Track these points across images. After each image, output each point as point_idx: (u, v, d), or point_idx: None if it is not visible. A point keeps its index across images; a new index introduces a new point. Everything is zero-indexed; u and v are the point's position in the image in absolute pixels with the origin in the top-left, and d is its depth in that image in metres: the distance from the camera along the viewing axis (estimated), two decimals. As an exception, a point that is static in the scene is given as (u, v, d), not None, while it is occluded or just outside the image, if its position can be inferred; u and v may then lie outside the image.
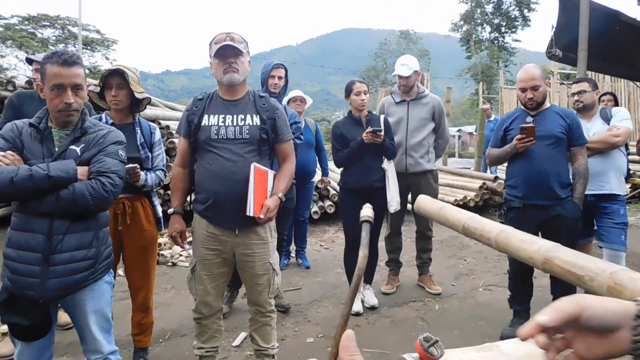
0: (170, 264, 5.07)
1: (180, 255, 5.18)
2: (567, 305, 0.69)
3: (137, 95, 2.77)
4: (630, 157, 6.60)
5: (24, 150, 1.99)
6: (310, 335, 3.42)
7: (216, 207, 2.47)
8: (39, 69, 2.04)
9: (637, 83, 10.52)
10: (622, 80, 12.99)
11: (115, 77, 2.72)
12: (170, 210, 2.59)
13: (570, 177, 3.19)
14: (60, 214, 1.94)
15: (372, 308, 3.88)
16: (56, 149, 2.02)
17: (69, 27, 26.71)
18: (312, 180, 5.13)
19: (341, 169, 3.91)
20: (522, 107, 3.32)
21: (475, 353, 1.31)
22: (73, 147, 2.04)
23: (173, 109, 8.97)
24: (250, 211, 2.33)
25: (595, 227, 3.63)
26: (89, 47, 26.35)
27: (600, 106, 3.80)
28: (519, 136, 3.06)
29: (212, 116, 2.49)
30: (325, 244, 6.06)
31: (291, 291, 4.32)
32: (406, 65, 4.13)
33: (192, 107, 2.56)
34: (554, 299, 3.05)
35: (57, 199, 1.91)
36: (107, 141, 2.09)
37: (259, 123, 2.47)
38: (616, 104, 4.96)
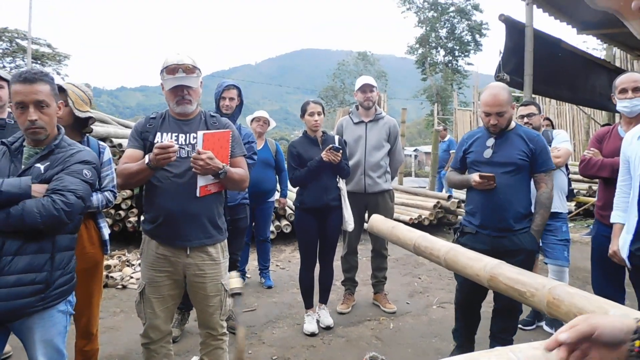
0: (120, 286, 4.88)
1: (131, 277, 5.00)
2: (582, 325, 0.87)
3: (79, 114, 2.69)
4: (574, 176, 6.96)
5: None
6: (264, 357, 3.36)
7: (167, 225, 2.42)
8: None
9: (580, 106, 11.13)
10: (567, 103, 13.71)
11: (61, 95, 2.63)
12: (146, 160, 2.32)
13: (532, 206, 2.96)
14: (11, 232, 1.87)
15: (328, 328, 3.87)
16: (23, 166, 1.99)
17: (18, 40, 25.77)
18: (271, 200, 5.11)
19: (297, 188, 3.92)
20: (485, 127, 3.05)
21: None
22: (38, 165, 1.99)
23: (126, 126, 8.76)
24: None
25: (541, 244, 3.78)
26: (39, 62, 25.43)
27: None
28: (477, 179, 2.85)
29: (164, 134, 2.48)
30: (282, 264, 6.02)
31: (246, 312, 4.25)
32: (369, 81, 4.25)
33: (146, 124, 2.53)
34: (492, 332, 3.08)
35: (7, 216, 1.83)
36: (73, 160, 2.04)
37: None
38: (552, 127, 5.23)
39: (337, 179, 3.83)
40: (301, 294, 3.97)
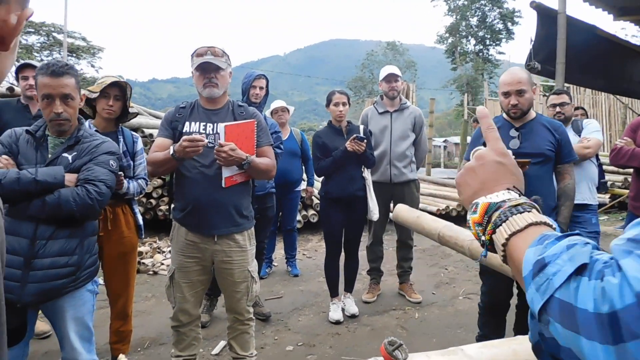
0: (151, 272, 5.04)
1: (162, 264, 5.15)
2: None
3: (130, 110, 2.89)
4: (609, 168, 6.77)
5: (19, 155, 2.05)
6: (289, 343, 3.43)
7: (195, 214, 2.49)
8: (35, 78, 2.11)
9: (617, 96, 10.78)
10: (603, 92, 13.28)
11: (115, 88, 2.79)
12: (170, 152, 2.39)
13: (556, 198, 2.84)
14: (45, 218, 1.98)
15: (353, 316, 3.91)
16: (49, 156, 2.07)
17: (54, 34, 26.50)
18: (298, 189, 5.17)
19: (322, 178, 3.95)
20: (505, 115, 2.88)
21: (440, 357, 1.35)
22: (65, 154, 2.08)
23: (157, 117, 8.96)
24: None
25: None
26: (74, 55, 26.12)
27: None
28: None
29: (193, 124, 2.54)
30: (308, 253, 6.09)
31: (272, 299, 4.33)
32: (394, 71, 4.24)
33: (175, 114, 2.60)
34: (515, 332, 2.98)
35: (43, 204, 1.94)
36: (99, 151, 2.13)
37: None
38: (587, 117, 5.10)
39: (362, 169, 3.84)
40: (326, 283, 4.01)
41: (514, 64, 20.69)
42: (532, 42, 5.58)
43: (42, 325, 3.28)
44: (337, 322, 3.78)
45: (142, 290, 4.47)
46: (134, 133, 3.05)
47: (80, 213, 2.01)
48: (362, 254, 4.18)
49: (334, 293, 3.98)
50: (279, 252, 5.62)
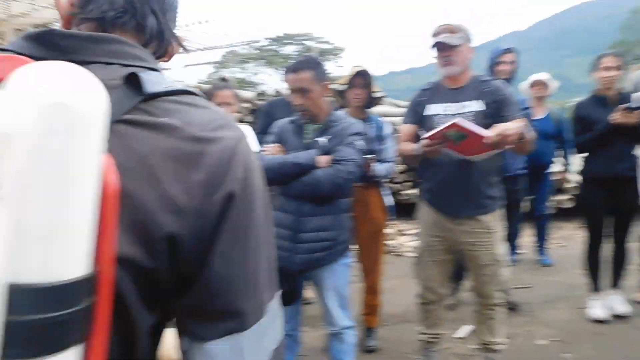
0: (395, 253, 5.29)
1: (407, 246, 5.36)
2: None
3: (375, 95, 3.09)
4: None
5: (286, 143, 2.36)
6: (541, 337, 3.18)
7: (440, 195, 2.52)
8: None
9: None
10: None
11: (359, 78, 3.06)
12: (417, 148, 2.45)
13: None
14: (306, 197, 2.23)
15: (620, 317, 3.37)
16: (307, 141, 2.33)
17: (305, 42, 30.05)
18: (548, 172, 4.72)
19: (582, 156, 3.51)
20: None
21: None
22: (320, 138, 2.30)
23: (398, 106, 9.31)
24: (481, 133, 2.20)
25: None
26: (321, 57, 29.15)
27: None
28: None
29: (435, 105, 2.55)
30: (561, 242, 5.49)
31: (520, 289, 4.06)
32: None
33: (419, 97, 2.65)
34: None
35: (302, 184, 2.20)
36: (347, 132, 2.28)
37: (481, 108, 2.43)
38: None
39: (634, 146, 3.26)
40: (586, 275, 3.56)
41: None
42: None
43: (306, 292, 3.79)
44: (599, 321, 3.32)
45: (388, 270, 4.69)
46: (382, 118, 3.25)
47: (333, 191, 2.20)
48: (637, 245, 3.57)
49: (595, 287, 3.51)
50: (526, 238, 5.23)
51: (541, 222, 4.87)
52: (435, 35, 2.49)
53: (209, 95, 3.05)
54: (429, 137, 2.30)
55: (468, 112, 2.44)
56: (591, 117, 3.32)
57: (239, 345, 0.60)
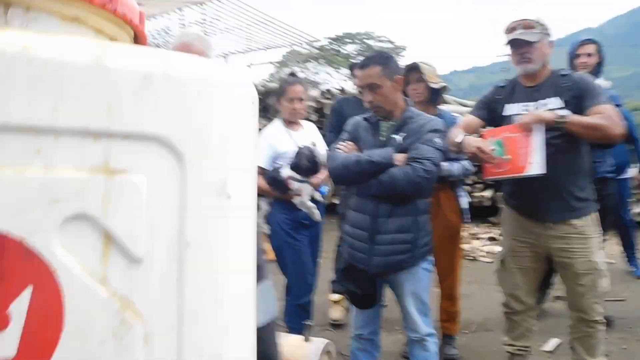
0: (470, 257, 5.07)
1: (480, 250, 5.12)
2: None
3: (433, 86, 2.90)
4: None
5: (360, 141, 2.27)
6: (641, 355, 2.89)
7: (525, 198, 2.36)
8: None
9: None
10: None
11: (414, 73, 2.91)
12: (459, 138, 2.38)
13: None
14: (383, 197, 2.12)
15: None
16: (382, 138, 2.24)
17: (366, 41, 29.86)
18: (625, 176, 4.32)
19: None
20: None
21: None
22: (395, 136, 2.19)
23: (464, 105, 9.02)
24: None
25: None
26: (385, 56, 28.87)
27: None
28: None
29: (513, 105, 2.38)
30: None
31: (613, 301, 3.73)
32: None
33: (495, 95, 2.48)
34: None
35: (379, 183, 2.09)
36: (425, 129, 2.15)
37: (560, 106, 2.24)
38: None
39: None
40: None
41: None
42: None
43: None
44: None
45: (464, 274, 4.48)
46: (454, 113, 3.07)
47: (410, 190, 2.08)
48: None
49: None
50: (615, 247, 4.83)
51: (627, 230, 4.47)
52: (509, 31, 2.33)
53: (280, 90, 3.01)
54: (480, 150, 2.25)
55: (547, 110, 2.26)
56: None
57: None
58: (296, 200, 2.77)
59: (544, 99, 2.30)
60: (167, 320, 0.52)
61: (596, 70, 3.39)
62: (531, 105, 2.32)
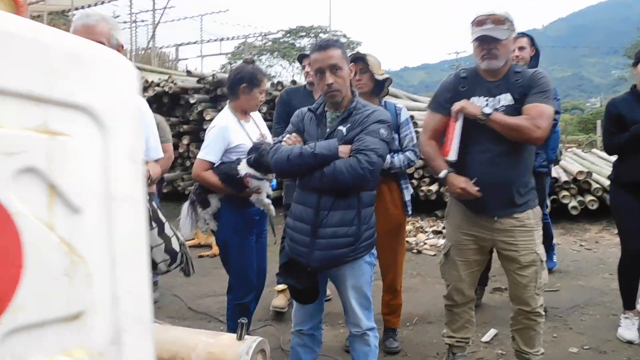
0: (415, 251, 5.13)
1: (425, 243, 5.20)
2: None
3: (377, 77, 2.87)
4: None
5: (305, 132, 2.20)
6: (572, 344, 3.00)
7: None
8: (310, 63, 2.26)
9: None
10: None
11: (359, 63, 2.84)
12: (442, 174, 2.38)
13: None
14: (325, 189, 2.06)
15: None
16: (327, 130, 2.16)
17: (321, 35, 29.83)
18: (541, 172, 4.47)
19: (613, 158, 3.29)
20: None
21: None
22: (340, 127, 2.13)
23: (415, 100, 9.16)
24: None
25: None
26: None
27: None
28: None
29: (475, 99, 2.35)
30: (587, 244, 5.29)
31: (547, 292, 3.88)
32: None
33: (458, 86, 2.41)
34: None
35: (321, 175, 2.03)
36: (370, 120, 2.10)
37: (510, 102, 2.27)
38: None
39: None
40: (619, 287, 3.25)
41: None
42: None
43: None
44: (630, 342, 3.01)
45: (407, 267, 4.52)
46: (397, 104, 3.03)
47: (353, 183, 2.03)
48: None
49: (628, 304, 3.15)
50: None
51: (546, 226, 4.56)
52: (478, 24, 2.27)
53: (255, 80, 2.79)
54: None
55: (501, 106, 2.28)
56: (626, 117, 3.01)
57: None
58: (253, 197, 2.66)
59: (500, 94, 2.30)
60: (102, 263, 0.66)
61: (533, 63, 3.45)
62: (491, 100, 2.31)
